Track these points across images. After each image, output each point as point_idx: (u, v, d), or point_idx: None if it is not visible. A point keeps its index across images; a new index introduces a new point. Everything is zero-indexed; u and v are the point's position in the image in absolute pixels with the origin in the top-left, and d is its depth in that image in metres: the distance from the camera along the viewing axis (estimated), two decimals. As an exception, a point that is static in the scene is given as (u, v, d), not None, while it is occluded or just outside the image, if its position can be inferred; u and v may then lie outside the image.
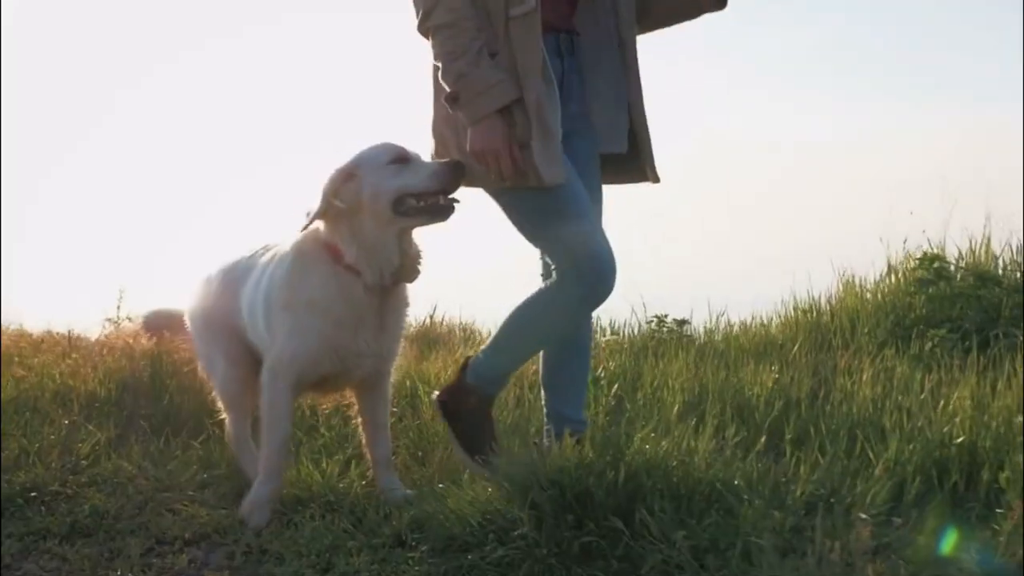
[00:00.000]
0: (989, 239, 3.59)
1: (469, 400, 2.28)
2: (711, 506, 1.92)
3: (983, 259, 3.54)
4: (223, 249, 2.75)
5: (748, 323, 4.11)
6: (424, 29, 2.09)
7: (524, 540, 1.83)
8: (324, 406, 2.77)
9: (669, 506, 1.88)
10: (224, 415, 2.58)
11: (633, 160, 2.31)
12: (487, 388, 2.30)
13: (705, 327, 4.10)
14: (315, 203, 2.19)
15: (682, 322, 3.83)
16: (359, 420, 2.45)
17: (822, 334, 3.55)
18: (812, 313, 3.79)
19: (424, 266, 2.27)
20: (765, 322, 4.01)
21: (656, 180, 2.34)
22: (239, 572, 1.98)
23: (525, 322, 2.26)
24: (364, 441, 2.42)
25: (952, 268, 3.34)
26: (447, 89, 2.04)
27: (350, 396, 2.49)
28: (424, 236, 2.27)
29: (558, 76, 2.16)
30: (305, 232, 2.24)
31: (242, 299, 2.47)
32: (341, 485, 2.34)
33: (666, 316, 3.90)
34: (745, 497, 1.94)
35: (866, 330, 3.31)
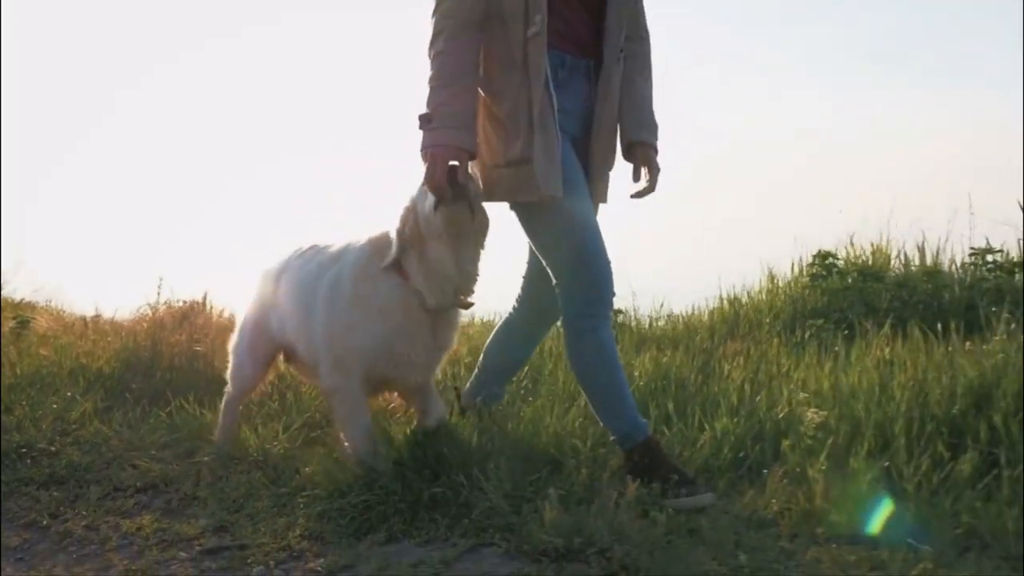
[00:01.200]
0: (889, 239, 3.88)
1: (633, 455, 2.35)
2: (546, 465, 2.35)
3: (878, 256, 3.84)
4: (237, 243, 3.16)
5: (688, 313, 4.47)
6: (429, 51, 2.30)
7: (383, 489, 2.28)
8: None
9: (510, 464, 2.31)
10: (228, 387, 2.90)
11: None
12: (627, 438, 2.36)
13: (650, 316, 4.48)
14: (394, 241, 2.44)
15: (616, 312, 4.21)
16: (417, 418, 2.68)
17: (738, 323, 3.90)
18: (736, 304, 4.13)
19: (477, 292, 2.48)
20: (699, 312, 4.36)
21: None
22: (172, 513, 2.47)
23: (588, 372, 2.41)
24: (418, 418, 2.65)
25: (843, 265, 3.65)
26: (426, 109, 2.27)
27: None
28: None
29: (585, 100, 2.42)
30: (377, 240, 2.50)
31: (287, 297, 2.69)
32: (268, 447, 2.81)
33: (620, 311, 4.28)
34: (572, 458, 2.36)
35: (767, 320, 3.66)
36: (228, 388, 2.93)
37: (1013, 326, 2.56)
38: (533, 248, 2.53)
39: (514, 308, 2.81)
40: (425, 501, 2.25)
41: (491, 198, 2.41)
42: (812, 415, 2.30)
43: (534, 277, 2.65)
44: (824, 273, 3.61)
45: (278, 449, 2.78)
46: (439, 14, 2.31)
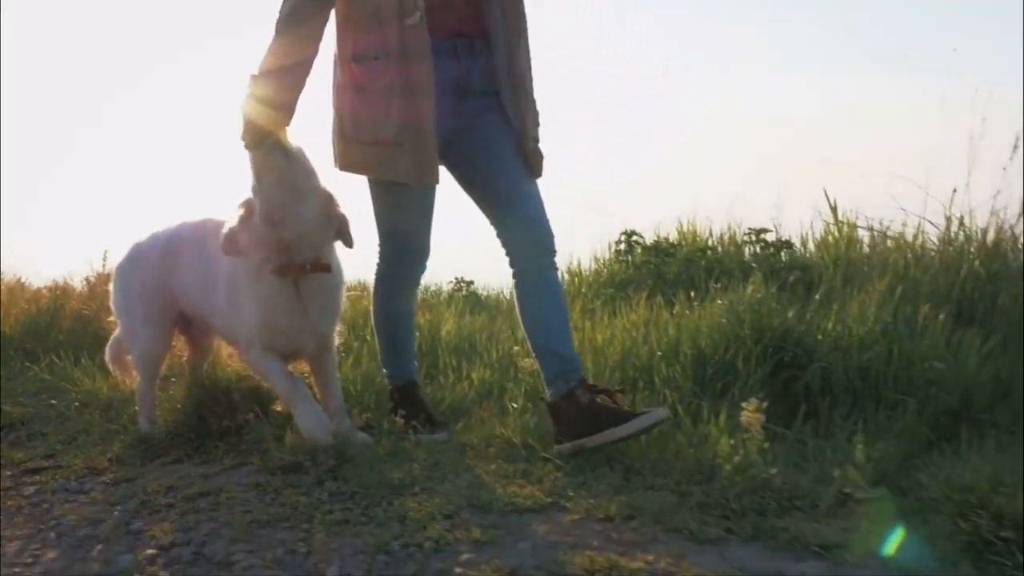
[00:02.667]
0: (695, 220, 4.39)
1: (392, 394, 2.83)
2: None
3: (684, 235, 4.34)
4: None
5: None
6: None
7: (182, 424, 2.80)
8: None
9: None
10: (137, 376, 2.93)
11: None
12: (394, 379, 2.82)
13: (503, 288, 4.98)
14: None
15: (468, 283, 4.73)
16: (312, 379, 2.73)
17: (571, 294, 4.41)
18: (577, 276, 4.65)
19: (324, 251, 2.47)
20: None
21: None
22: (17, 445, 2.98)
23: (376, 317, 2.80)
24: (319, 396, 2.69)
25: (646, 242, 4.16)
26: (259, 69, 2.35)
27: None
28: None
29: (453, 76, 2.48)
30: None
31: (188, 271, 2.73)
32: (110, 392, 3.33)
33: (463, 279, 4.80)
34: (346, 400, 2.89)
35: (583, 289, 4.17)
36: (138, 377, 2.92)
37: (712, 292, 3.09)
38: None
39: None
40: (213, 432, 2.77)
41: (348, 170, 2.56)
42: (527, 362, 2.82)
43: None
44: (627, 250, 4.13)
45: (118, 394, 3.30)
46: None
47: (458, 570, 1.80)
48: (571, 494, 2.16)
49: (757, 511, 2.01)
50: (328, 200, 2.48)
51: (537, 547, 1.90)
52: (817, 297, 3.01)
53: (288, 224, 2.41)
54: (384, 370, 2.89)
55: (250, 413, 2.79)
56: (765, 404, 2.25)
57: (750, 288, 2.95)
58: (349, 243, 2.54)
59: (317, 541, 1.98)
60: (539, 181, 2.60)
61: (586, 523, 2.02)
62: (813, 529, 1.89)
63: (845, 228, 3.94)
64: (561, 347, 2.49)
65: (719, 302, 3.00)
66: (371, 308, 2.89)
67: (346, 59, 2.53)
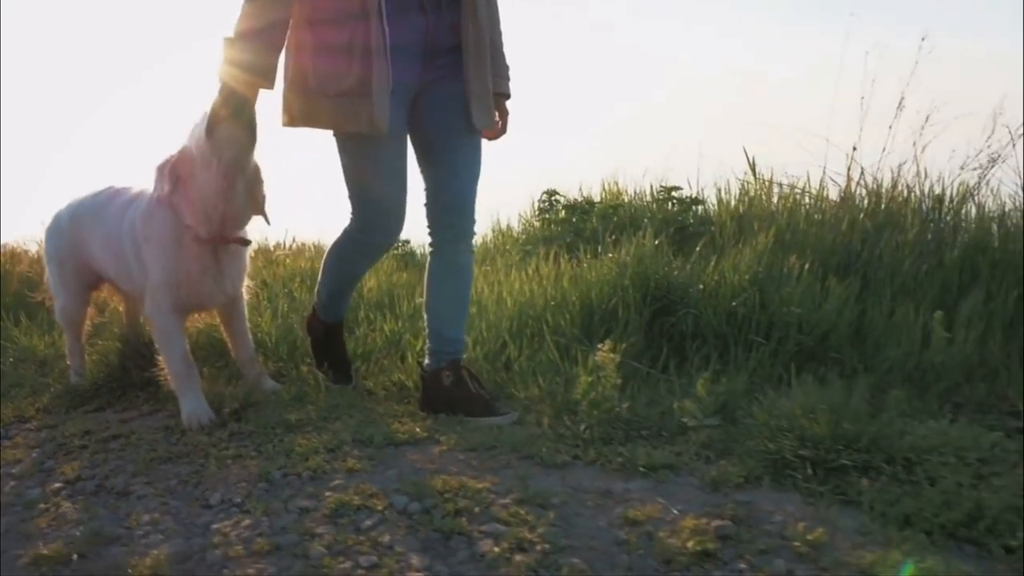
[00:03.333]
0: (616, 178, 4.58)
1: (317, 326, 2.93)
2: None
3: (608, 192, 4.53)
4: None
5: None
6: None
7: (106, 376, 3.01)
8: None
9: (203, 356, 3.04)
10: (64, 333, 3.15)
11: None
12: (324, 316, 2.90)
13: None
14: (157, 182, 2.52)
15: (405, 241, 4.91)
16: (224, 332, 2.89)
17: (497, 251, 4.62)
18: (504, 234, 4.85)
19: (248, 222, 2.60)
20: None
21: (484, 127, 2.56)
22: None
23: (327, 264, 2.79)
24: (230, 347, 2.87)
25: (564, 200, 4.36)
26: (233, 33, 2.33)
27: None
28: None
29: (421, 29, 2.45)
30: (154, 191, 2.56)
31: (95, 237, 2.84)
32: (44, 348, 3.52)
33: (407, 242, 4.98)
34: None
35: (507, 247, 4.38)
36: (64, 333, 3.14)
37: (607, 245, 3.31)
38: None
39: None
40: (136, 382, 2.98)
41: (313, 125, 2.50)
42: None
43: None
44: (548, 207, 4.33)
45: (53, 351, 3.49)
46: None
47: (328, 493, 2.02)
48: (446, 430, 2.39)
49: (604, 440, 2.25)
50: (260, 177, 2.58)
51: (403, 473, 2.12)
52: (697, 249, 3.23)
53: (233, 199, 2.50)
54: (316, 302, 2.94)
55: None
56: (623, 346, 2.47)
57: (634, 243, 3.16)
58: (268, 221, 2.64)
59: (208, 473, 2.20)
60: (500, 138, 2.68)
61: (452, 453, 2.25)
62: (647, 453, 2.13)
63: (754, 186, 4.15)
64: (449, 330, 2.62)
65: (610, 255, 3.22)
66: (325, 258, 2.83)
67: (306, 21, 2.47)
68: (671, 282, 2.99)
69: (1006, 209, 3.54)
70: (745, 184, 4.09)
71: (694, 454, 2.15)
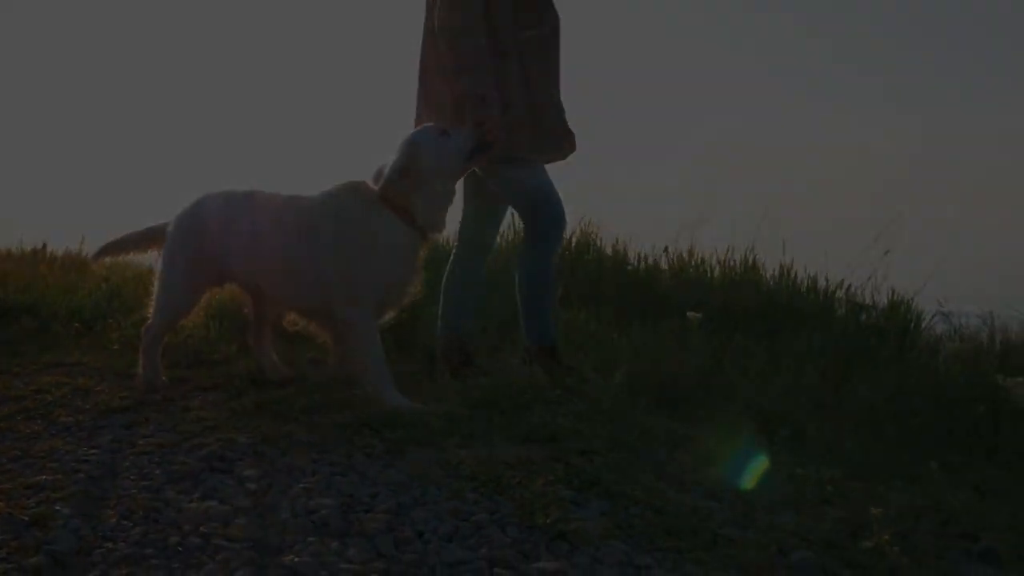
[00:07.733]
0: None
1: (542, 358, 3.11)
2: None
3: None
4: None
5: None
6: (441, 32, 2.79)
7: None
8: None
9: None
10: (151, 317, 3.05)
11: None
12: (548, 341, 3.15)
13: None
14: (391, 180, 2.64)
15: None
16: (332, 346, 2.97)
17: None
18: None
19: None
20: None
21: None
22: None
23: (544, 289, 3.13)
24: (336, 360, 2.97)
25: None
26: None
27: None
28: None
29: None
30: (355, 186, 2.73)
31: (249, 242, 2.83)
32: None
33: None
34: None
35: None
36: (153, 319, 3.03)
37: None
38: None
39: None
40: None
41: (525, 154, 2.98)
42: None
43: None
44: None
45: None
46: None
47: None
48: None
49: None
50: None
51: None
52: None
53: (452, 199, 2.85)
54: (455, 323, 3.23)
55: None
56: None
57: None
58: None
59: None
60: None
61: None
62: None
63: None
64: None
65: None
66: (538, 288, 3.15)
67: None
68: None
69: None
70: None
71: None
